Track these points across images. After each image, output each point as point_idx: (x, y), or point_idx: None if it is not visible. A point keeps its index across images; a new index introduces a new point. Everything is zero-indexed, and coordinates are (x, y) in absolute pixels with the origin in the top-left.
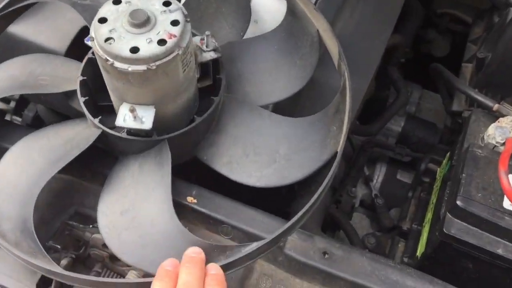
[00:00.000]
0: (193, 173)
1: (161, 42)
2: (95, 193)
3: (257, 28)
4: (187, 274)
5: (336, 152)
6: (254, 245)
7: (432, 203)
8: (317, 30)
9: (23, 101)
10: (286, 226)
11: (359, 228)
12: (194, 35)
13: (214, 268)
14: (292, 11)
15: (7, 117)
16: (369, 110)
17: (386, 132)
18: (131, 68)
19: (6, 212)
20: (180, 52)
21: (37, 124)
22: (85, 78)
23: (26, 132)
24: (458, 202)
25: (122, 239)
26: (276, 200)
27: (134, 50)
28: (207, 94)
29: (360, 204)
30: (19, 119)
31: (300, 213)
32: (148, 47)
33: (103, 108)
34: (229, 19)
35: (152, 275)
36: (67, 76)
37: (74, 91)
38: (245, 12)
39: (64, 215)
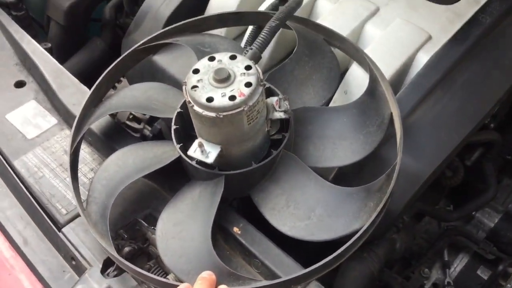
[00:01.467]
0: (252, 209)
1: (232, 98)
2: (167, 202)
3: (345, 98)
4: (199, 286)
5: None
6: (264, 283)
7: None
8: (391, 113)
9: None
10: (294, 275)
11: None
12: (276, 94)
13: (224, 286)
14: (371, 91)
15: (141, 125)
16: (465, 197)
17: (477, 224)
18: (204, 113)
19: (98, 197)
20: (245, 108)
21: (160, 136)
22: (181, 111)
23: (133, 142)
24: None
25: (168, 245)
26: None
27: (209, 99)
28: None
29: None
30: (150, 128)
31: (311, 268)
32: (220, 99)
33: (193, 137)
34: (316, 87)
35: (180, 281)
36: (173, 105)
37: (171, 119)
38: (332, 83)
39: (140, 213)
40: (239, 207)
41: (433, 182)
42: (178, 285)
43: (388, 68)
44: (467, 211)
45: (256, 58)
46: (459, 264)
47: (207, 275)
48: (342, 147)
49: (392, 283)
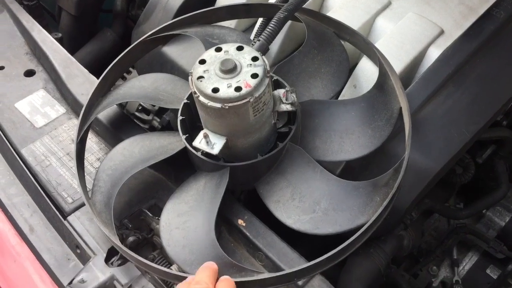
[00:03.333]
0: (256, 202)
1: (238, 89)
2: (172, 193)
3: (354, 92)
4: (200, 274)
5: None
6: (265, 275)
7: None
8: (400, 108)
9: (165, 107)
10: (298, 268)
11: None
12: (283, 86)
13: (227, 277)
14: (380, 85)
15: (150, 116)
16: (475, 195)
17: (488, 223)
18: (209, 103)
19: (103, 187)
20: (251, 100)
21: (169, 127)
22: (188, 101)
23: (139, 132)
24: None
25: (171, 235)
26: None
27: (215, 90)
28: (285, 139)
29: (441, 286)
30: (158, 120)
31: (315, 261)
32: (226, 90)
33: (199, 128)
34: (324, 80)
35: (183, 271)
36: (181, 96)
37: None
38: (341, 76)
39: (145, 203)
40: (244, 199)
41: (443, 179)
42: (181, 276)
43: (398, 62)
44: (477, 209)
45: (263, 50)
46: (468, 263)
47: (210, 264)
48: (349, 141)
49: (399, 281)
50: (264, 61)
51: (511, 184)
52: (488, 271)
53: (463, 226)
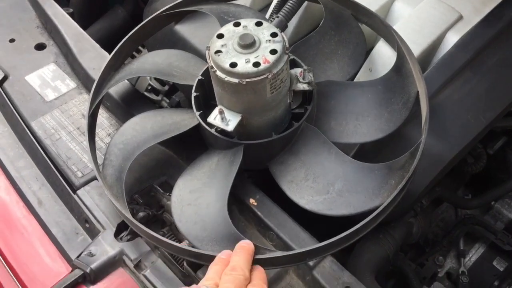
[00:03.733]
0: (269, 182)
1: (256, 64)
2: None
3: (370, 75)
4: (237, 256)
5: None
6: (278, 253)
7: None
8: (417, 92)
9: (174, 88)
10: (309, 248)
11: None
12: (300, 66)
13: (259, 266)
14: (398, 68)
15: (159, 97)
16: (484, 186)
17: (496, 214)
18: (227, 78)
19: (114, 160)
20: (269, 76)
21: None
22: (202, 78)
23: (151, 108)
24: None
25: (183, 211)
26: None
27: (233, 65)
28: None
29: (447, 277)
30: (168, 100)
31: (326, 242)
32: (244, 65)
33: (213, 106)
34: (341, 62)
35: (194, 247)
36: (195, 73)
37: (191, 88)
38: (358, 59)
39: (156, 180)
40: (256, 179)
41: (454, 168)
42: (193, 251)
43: (416, 46)
44: (486, 200)
45: (282, 27)
46: (474, 254)
47: (246, 244)
48: (365, 124)
49: (406, 269)
50: (283, 37)
51: None
52: (494, 263)
53: (471, 217)
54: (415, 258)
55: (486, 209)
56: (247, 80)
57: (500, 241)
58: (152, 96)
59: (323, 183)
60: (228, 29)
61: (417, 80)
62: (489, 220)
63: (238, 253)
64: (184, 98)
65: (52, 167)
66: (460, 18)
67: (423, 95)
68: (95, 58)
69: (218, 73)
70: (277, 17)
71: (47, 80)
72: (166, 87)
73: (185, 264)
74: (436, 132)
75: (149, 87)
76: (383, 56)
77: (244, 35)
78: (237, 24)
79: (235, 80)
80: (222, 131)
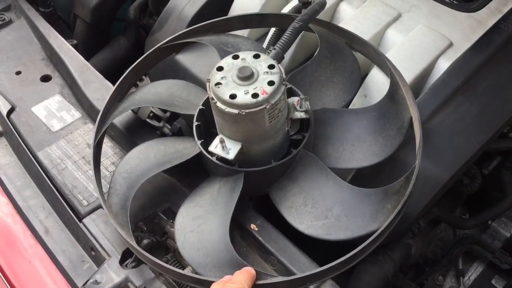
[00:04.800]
0: (269, 207)
1: (255, 95)
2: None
3: (364, 101)
4: (239, 275)
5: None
6: (279, 278)
7: None
8: (411, 117)
9: (175, 114)
10: (309, 273)
11: None
12: (297, 94)
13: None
14: (391, 95)
15: (161, 123)
16: (480, 206)
17: (493, 233)
18: (227, 109)
19: (119, 189)
20: (268, 106)
21: (180, 134)
22: (203, 107)
23: (154, 137)
24: None
25: (186, 238)
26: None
27: (232, 96)
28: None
29: None
30: (169, 126)
31: (326, 266)
32: (243, 97)
33: (214, 134)
34: (336, 89)
35: (198, 273)
36: (196, 103)
37: (192, 117)
38: (353, 86)
39: (159, 207)
40: (257, 205)
41: (450, 189)
42: (197, 278)
43: (408, 73)
44: (483, 219)
45: (279, 58)
46: (473, 273)
47: (248, 268)
48: (361, 149)
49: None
50: (280, 69)
51: None
52: (493, 281)
53: (469, 237)
54: (415, 278)
55: (484, 228)
56: (247, 110)
57: (497, 260)
58: (154, 122)
59: (321, 208)
60: (227, 61)
61: (410, 106)
62: (486, 239)
63: (239, 272)
64: (186, 125)
65: (59, 196)
66: (451, 45)
67: (416, 120)
68: (99, 89)
69: (219, 104)
70: (274, 49)
71: (52, 111)
72: (168, 114)
73: None
74: (430, 156)
75: (151, 114)
76: (377, 83)
77: (242, 67)
78: (236, 57)
79: (235, 111)
80: (223, 159)
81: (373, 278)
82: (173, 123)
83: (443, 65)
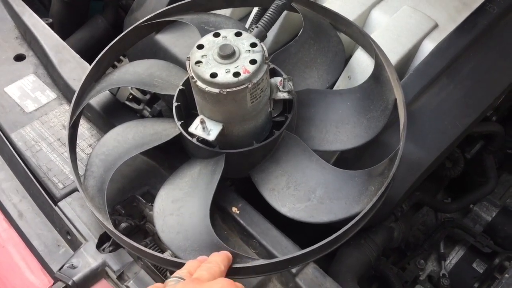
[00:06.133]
0: (251, 190)
1: (236, 74)
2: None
3: (348, 83)
4: (214, 256)
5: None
6: (260, 261)
7: None
8: (395, 99)
9: (155, 97)
10: (291, 256)
11: None
12: (279, 75)
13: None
14: (376, 76)
15: (141, 106)
16: (462, 190)
17: (475, 218)
18: (207, 89)
19: (95, 171)
20: (249, 86)
21: (160, 117)
22: (183, 88)
23: (132, 118)
24: None
25: (165, 221)
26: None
27: (213, 75)
28: (280, 127)
29: (428, 280)
30: (149, 109)
31: (308, 249)
32: (224, 75)
33: (194, 115)
34: (320, 70)
35: (177, 257)
36: (176, 83)
37: (172, 97)
38: (337, 67)
39: (138, 190)
40: (238, 187)
41: (433, 173)
42: (176, 261)
43: (393, 54)
44: (466, 203)
45: (261, 37)
46: (454, 257)
47: (226, 252)
48: (344, 131)
49: (388, 273)
50: (262, 47)
51: (498, 180)
52: (474, 265)
53: (451, 221)
54: (396, 262)
55: (465, 212)
56: (228, 90)
57: (479, 244)
58: (134, 105)
59: (304, 190)
60: (208, 39)
61: (395, 87)
62: (468, 223)
63: (216, 253)
64: (166, 107)
65: (33, 179)
66: (436, 26)
67: (400, 102)
68: (75, 69)
69: (199, 83)
70: (257, 27)
71: (26, 91)
72: (148, 96)
73: (168, 274)
74: (414, 138)
75: (130, 97)
76: (362, 64)
77: (223, 45)
78: (217, 35)
79: (216, 90)
80: (204, 141)
81: (355, 261)
82: (153, 106)
83: (428, 46)
